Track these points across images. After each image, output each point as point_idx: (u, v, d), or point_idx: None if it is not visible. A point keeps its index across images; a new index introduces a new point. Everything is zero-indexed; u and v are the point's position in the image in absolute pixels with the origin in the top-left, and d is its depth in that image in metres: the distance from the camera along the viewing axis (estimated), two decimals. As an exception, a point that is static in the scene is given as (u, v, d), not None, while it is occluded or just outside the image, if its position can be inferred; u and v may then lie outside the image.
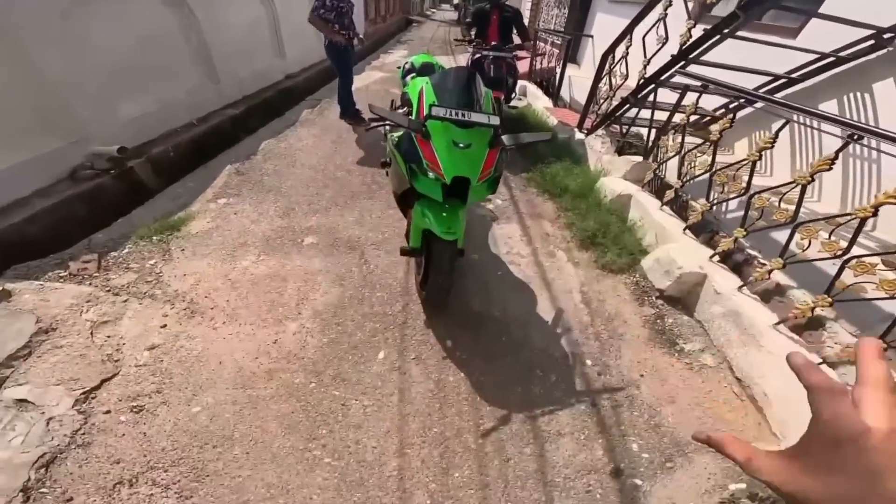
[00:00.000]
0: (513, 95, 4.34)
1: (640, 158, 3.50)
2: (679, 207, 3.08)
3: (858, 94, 2.81)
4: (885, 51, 2.63)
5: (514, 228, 3.20)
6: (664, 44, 3.11)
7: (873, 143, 2.12)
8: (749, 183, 2.23)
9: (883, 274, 1.65)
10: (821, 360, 1.84)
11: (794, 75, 3.07)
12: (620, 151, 3.79)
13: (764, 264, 2.19)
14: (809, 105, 2.21)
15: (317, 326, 2.19)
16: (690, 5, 2.92)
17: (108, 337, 1.99)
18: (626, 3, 5.47)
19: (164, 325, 2.10)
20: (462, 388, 1.96)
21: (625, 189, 3.27)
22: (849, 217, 1.75)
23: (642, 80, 3.21)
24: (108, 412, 1.69)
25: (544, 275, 2.69)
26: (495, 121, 1.71)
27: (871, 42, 2.67)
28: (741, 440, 0.38)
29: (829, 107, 2.94)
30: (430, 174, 1.72)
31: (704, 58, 2.82)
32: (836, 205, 2.76)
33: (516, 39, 4.59)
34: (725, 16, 2.40)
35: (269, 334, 2.11)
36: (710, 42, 2.61)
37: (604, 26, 6.08)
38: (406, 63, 3.30)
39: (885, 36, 2.58)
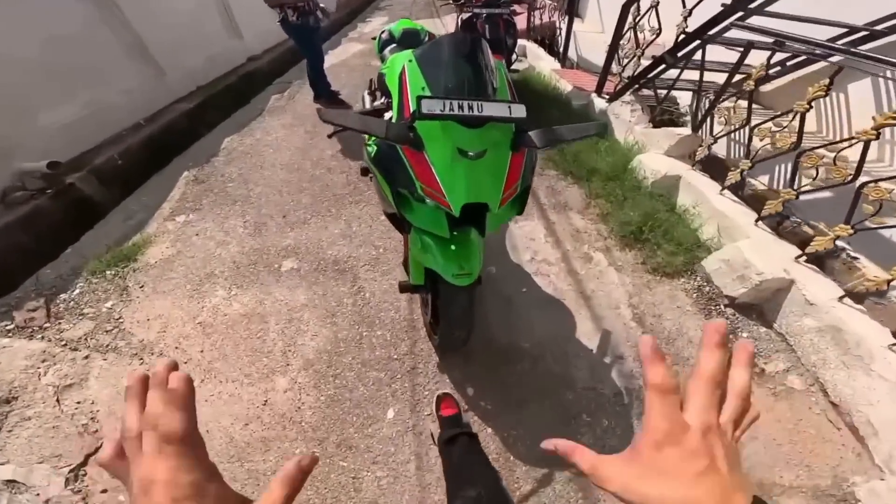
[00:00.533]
0: (514, 58, 3.68)
1: (686, 130, 2.90)
2: (746, 193, 2.51)
3: None
4: None
5: (536, 226, 2.63)
6: None
7: None
8: (859, 167, 1.68)
9: None
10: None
11: (878, 27, 2.32)
12: (656, 122, 3.18)
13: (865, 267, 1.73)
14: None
15: (310, 381, 1.84)
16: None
17: (78, 403, 1.78)
18: None
19: (137, 387, 1.67)
20: (491, 447, 1.64)
21: (670, 168, 2.68)
22: None
23: (683, 35, 2.61)
24: (104, 491, 1.53)
25: (581, 286, 2.17)
26: (520, 111, 1.09)
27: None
28: (587, 449, 0.37)
29: None
30: (429, 201, 1.16)
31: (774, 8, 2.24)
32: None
33: None
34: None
35: (256, 393, 1.81)
36: None
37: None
38: (382, 32, 2.67)
39: None
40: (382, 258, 2.38)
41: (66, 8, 2.99)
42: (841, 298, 1.72)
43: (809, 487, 1.55)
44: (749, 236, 2.10)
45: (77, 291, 2.23)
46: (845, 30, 2.42)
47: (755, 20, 2.36)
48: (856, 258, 1.98)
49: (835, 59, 1.99)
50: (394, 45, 2.50)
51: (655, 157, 2.86)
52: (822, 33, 2.37)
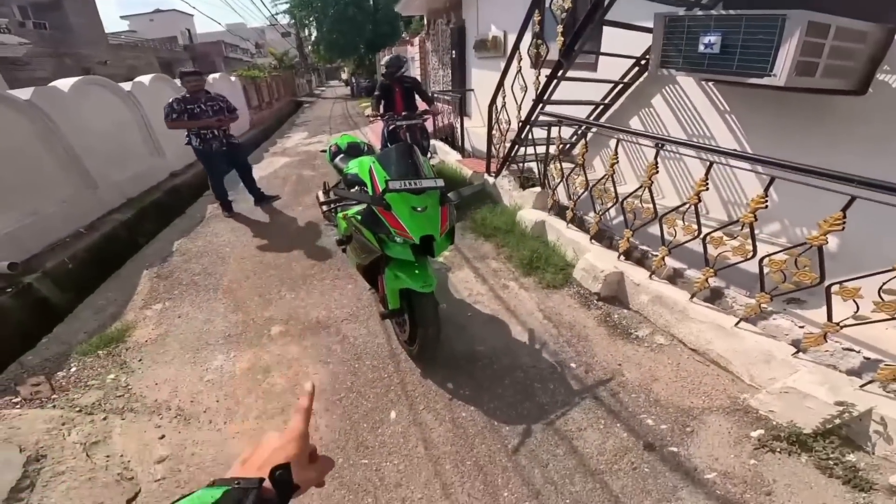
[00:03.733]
0: (429, 155, 4.89)
1: (538, 189, 4.16)
2: (579, 222, 3.72)
3: (648, 110, 3.78)
4: (646, 74, 3.63)
5: (466, 273, 3.55)
6: (525, 91, 3.86)
7: (674, 147, 2.81)
8: (617, 193, 2.94)
9: (730, 242, 2.27)
10: (737, 321, 2.28)
11: (606, 101, 4.04)
12: (524, 185, 4.43)
13: (655, 254, 2.81)
14: (622, 123, 3.58)
15: (321, 406, 2.23)
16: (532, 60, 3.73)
17: (108, 457, 1.94)
18: (488, 58, 6.53)
19: (163, 436, 2.08)
20: (478, 419, 2.13)
21: (537, 217, 3.87)
22: (686, 205, 2.43)
23: (520, 123, 3.92)
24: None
25: (506, 305, 3.05)
26: (440, 182, 2.06)
27: (636, 68, 3.67)
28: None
29: (635, 122, 3.92)
30: (399, 239, 1.96)
31: (556, 97, 3.53)
32: (675, 198, 3.59)
33: (420, 104, 5.12)
34: (555, 63, 3.17)
35: (277, 425, 2.12)
36: (553, 85, 3.36)
37: (480, 80, 7.06)
38: (330, 146, 3.41)
39: (642, 62, 3.56)
40: (357, 314, 2.99)
41: (4, 120, 3.42)
42: (650, 276, 2.79)
43: (717, 407, 2.11)
44: (589, 250, 3.21)
45: (74, 369, 2.46)
46: (594, 104, 4.09)
47: (555, 108, 3.61)
48: (646, 249, 3.14)
49: (593, 129, 3.49)
50: (342, 154, 3.21)
51: (529, 211, 4.05)
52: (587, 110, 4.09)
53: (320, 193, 3.54)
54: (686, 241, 2.52)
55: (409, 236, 1.92)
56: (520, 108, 3.99)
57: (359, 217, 2.16)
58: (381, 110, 4.92)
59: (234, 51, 37.73)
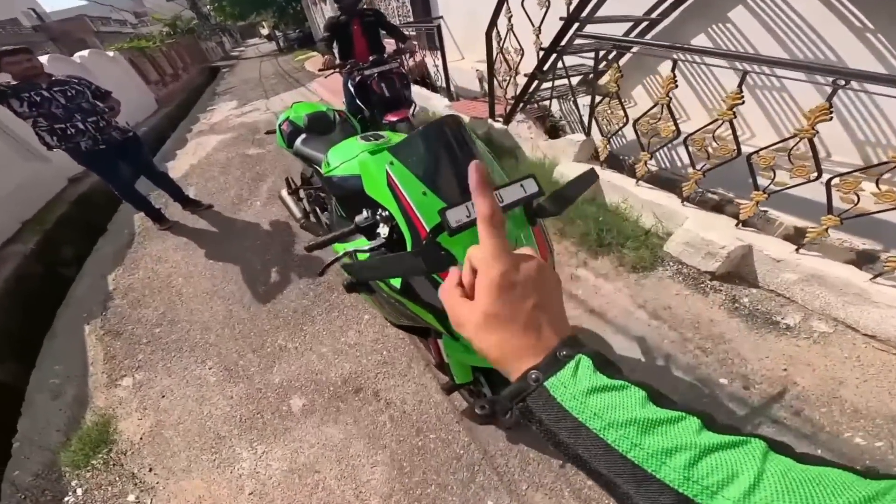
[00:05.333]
0: (415, 108, 3.73)
1: (580, 136, 3.23)
2: (652, 177, 2.89)
3: (723, 26, 2.89)
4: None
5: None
6: (548, 6, 2.87)
7: (766, 71, 2.25)
8: (737, 142, 2.11)
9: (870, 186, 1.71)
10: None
11: (654, 15, 3.13)
12: (552, 132, 3.50)
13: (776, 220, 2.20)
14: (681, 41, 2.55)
15: None
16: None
17: None
18: None
19: None
20: None
21: (588, 174, 2.97)
22: (795, 139, 1.83)
23: (542, 51, 2.97)
24: None
25: (589, 306, 2.29)
26: (532, 186, 1.01)
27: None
28: (489, 201, 0.37)
29: (701, 40, 3.03)
30: None
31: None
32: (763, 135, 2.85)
33: (389, 43, 3.92)
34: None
35: None
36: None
37: (448, 4, 5.75)
38: (281, 124, 2.41)
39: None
40: (391, 360, 2.21)
41: None
42: (797, 250, 2.06)
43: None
44: (686, 217, 2.42)
45: (81, 491, 1.94)
46: (633, 21, 3.18)
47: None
48: (769, 215, 2.42)
49: (633, 49, 2.71)
50: (304, 135, 2.28)
51: (570, 166, 3.16)
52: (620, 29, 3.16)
53: (285, 195, 2.57)
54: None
55: None
56: (538, 33, 3.02)
57: (384, 277, 1.16)
58: (337, 58, 3.68)
59: (106, 24, 32.18)
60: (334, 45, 3.72)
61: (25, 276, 3.12)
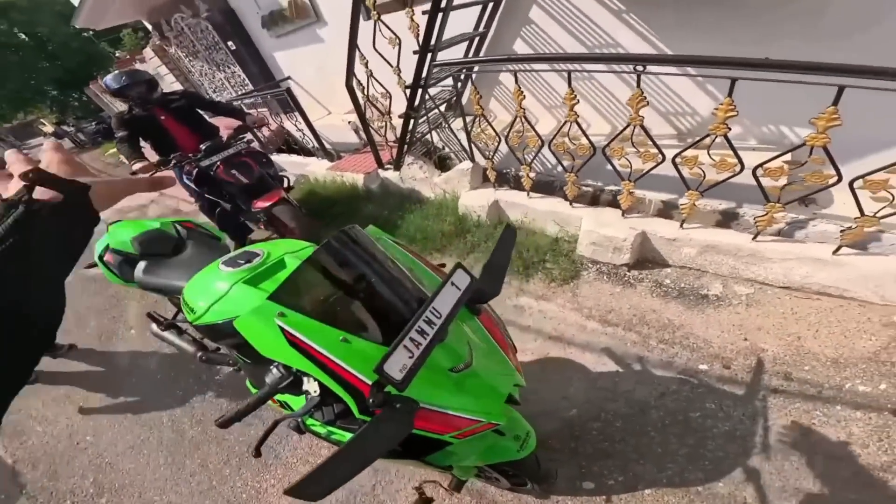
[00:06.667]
0: (289, 185, 3.43)
1: (467, 164, 3.35)
2: (534, 185, 2.99)
3: (530, 28, 3.22)
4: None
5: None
6: (399, 43, 2.95)
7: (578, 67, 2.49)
8: (588, 139, 2.37)
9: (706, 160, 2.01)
10: (835, 248, 1.97)
11: (482, 29, 3.35)
12: (441, 164, 3.57)
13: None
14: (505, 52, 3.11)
15: None
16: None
17: None
18: (294, 31, 5.10)
19: None
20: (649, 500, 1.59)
21: (487, 199, 3.11)
22: (630, 127, 2.08)
23: (407, 89, 2.98)
24: None
25: (547, 333, 2.31)
26: (464, 279, 0.90)
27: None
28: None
29: (521, 47, 3.35)
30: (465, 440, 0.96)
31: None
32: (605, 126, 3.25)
33: (222, 122, 3.52)
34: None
35: None
36: (440, 20, 2.51)
37: (293, 62, 5.59)
38: (103, 255, 1.98)
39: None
40: (382, 468, 1.95)
41: None
42: (681, 226, 2.34)
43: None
44: (580, 217, 2.63)
45: None
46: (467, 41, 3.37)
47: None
48: (637, 195, 2.63)
49: (475, 68, 2.95)
50: (142, 262, 1.88)
51: (471, 195, 3.24)
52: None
53: (159, 332, 2.13)
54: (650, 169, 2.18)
55: (489, 424, 0.95)
56: (399, 70, 3.08)
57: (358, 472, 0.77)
58: (154, 155, 3.06)
59: None
60: (141, 142, 3.04)
61: None
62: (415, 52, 2.67)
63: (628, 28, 2.75)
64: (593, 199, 3.01)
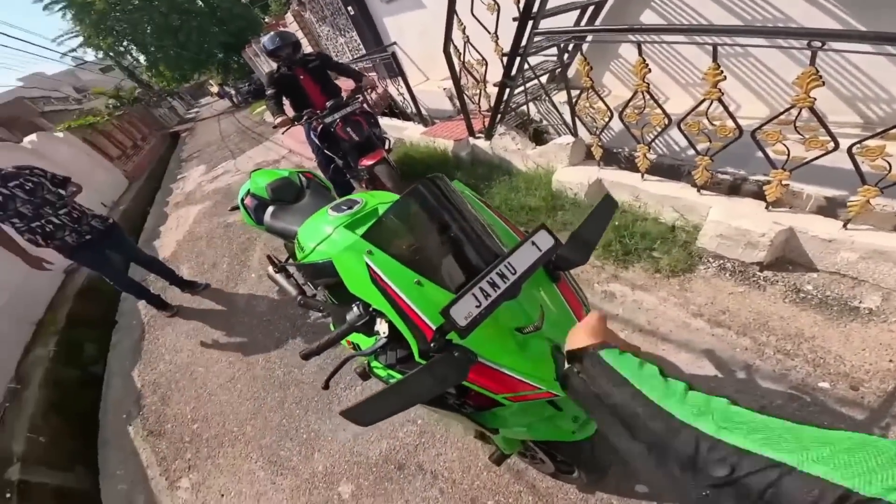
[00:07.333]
0: (389, 147, 3.58)
1: (568, 137, 3.10)
2: (654, 167, 2.68)
3: None
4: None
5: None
6: (498, 9, 2.81)
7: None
8: (735, 120, 1.99)
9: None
10: None
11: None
12: (537, 138, 3.39)
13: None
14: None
15: None
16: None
17: None
18: None
19: None
20: None
21: (589, 177, 2.84)
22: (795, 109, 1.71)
23: (505, 57, 2.83)
24: None
25: (636, 325, 2.10)
26: (547, 240, 0.88)
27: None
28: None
29: (650, 17, 2.87)
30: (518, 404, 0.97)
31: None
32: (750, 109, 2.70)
33: (344, 83, 3.76)
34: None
35: None
36: None
37: (401, 28, 5.63)
38: (244, 198, 2.25)
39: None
40: (427, 429, 2.03)
41: None
42: (845, 226, 1.90)
43: None
44: (709, 206, 2.26)
45: None
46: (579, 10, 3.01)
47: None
48: (793, 188, 2.23)
49: (588, 38, 2.61)
50: (271, 207, 2.12)
51: (567, 172, 3.02)
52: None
53: (272, 273, 2.35)
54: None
55: (544, 394, 0.91)
56: (496, 37, 2.91)
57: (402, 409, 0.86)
58: (292, 111, 3.49)
59: (48, 103, 31.28)
60: (283, 99, 3.51)
61: (57, 382, 3.02)
62: (514, 20, 2.52)
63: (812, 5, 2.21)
64: (731, 189, 2.60)
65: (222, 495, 2.15)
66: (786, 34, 1.78)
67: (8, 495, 2.13)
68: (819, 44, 1.52)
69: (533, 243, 0.86)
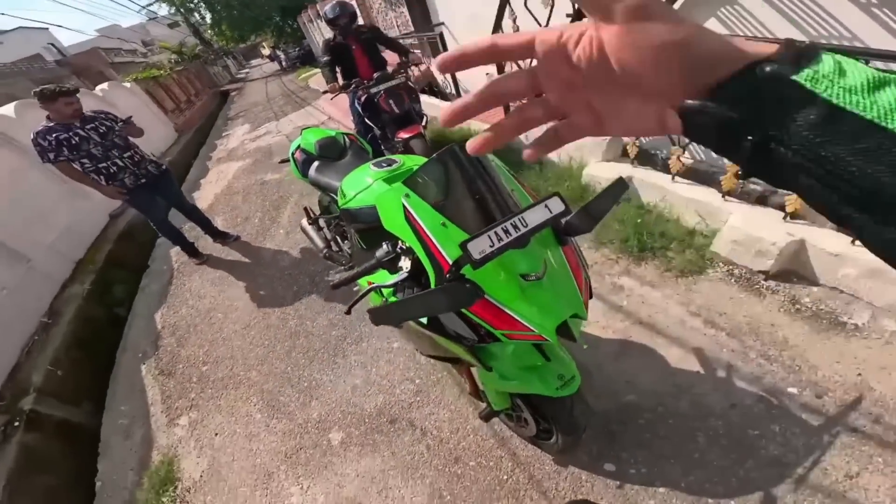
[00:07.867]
0: (425, 122, 3.64)
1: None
2: (688, 171, 2.67)
3: (729, 7, 2.56)
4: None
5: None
6: (552, 6, 2.77)
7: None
8: None
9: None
10: None
11: None
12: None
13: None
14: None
15: None
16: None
17: None
18: None
19: None
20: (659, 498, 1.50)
21: (620, 173, 2.80)
22: None
23: None
24: None
25: (636, 318, 2.13)
26: (558, 205, 0.95)
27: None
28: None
29: (708, 24, 2.70)
30: (513, 343, 1.10)
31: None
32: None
33: (390, 57, 3.85)
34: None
35: None
36: None
37: (451, 8, 5.62)
38: (294, 152, 2.46)
39: None
40: (424, 388, 2.13)
41: None
42: (853, 242, 1.87)
43: None
44: (730, 213, 2.24)
45: None
46: None
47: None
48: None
49: None
50: (317, 162, 2.31)
51: (599, 167, 3.01)
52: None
53: (305, 225, 2.60)
54: None
55: (538, 336, 0.98)
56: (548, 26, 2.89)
57: (410, 318, 1.13)
58: (341, 79, 3.65)
59: (118, 54, 32.75)
60: (336, 68, 3.68)
61: (87, 320, 3.22)
62: (568, 16, 2.51)
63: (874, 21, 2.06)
64: (758, 200, 2.54)
65: (216, 434, 2.30)
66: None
67: (17, 423, 2.28)
68: (864, 62, 1.46)
69: (546, 206, 0.95)
